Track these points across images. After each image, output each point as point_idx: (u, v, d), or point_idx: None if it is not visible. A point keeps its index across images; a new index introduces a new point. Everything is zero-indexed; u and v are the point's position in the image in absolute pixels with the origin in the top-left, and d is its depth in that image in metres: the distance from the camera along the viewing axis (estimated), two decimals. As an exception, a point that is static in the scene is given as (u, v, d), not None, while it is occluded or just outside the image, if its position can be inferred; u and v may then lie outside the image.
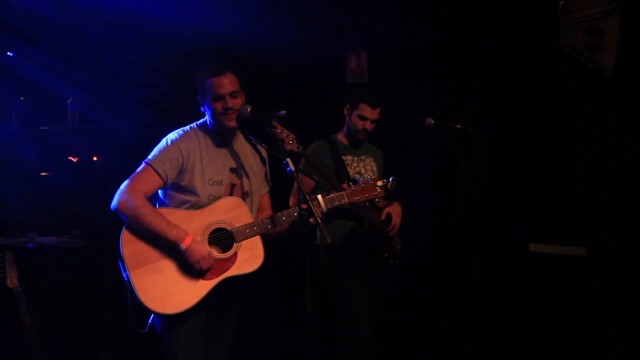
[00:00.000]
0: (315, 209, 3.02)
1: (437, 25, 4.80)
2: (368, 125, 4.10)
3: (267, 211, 3.39)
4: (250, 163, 3.33)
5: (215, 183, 3.20)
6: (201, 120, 3.30)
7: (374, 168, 4.21)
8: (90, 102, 4.86)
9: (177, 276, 3.07)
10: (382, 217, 4.03)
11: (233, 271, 3.13)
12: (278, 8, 4.96)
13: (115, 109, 4.90)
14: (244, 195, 3.28)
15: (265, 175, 3.41)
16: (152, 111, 4.89)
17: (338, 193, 3.28)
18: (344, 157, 4.12)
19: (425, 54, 4.93)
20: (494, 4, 4.69)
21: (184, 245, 3.04)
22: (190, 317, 3.10)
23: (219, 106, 3.17)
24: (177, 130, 3.25)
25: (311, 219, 2.98)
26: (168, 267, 3.07)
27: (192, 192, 3.16)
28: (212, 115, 3.21)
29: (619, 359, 4.01)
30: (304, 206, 3.00)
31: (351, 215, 3.97)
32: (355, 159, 4.17)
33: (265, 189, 3.42)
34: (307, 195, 3.00)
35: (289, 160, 3.03)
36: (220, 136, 3.26)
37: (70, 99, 4.80)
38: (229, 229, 3.14)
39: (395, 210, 4.07)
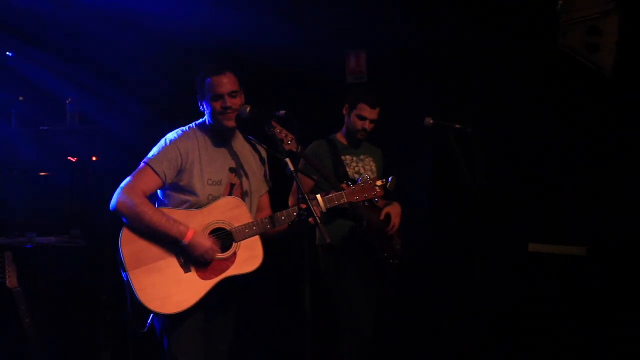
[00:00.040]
0: (315, 209, 3.01)
1: (436, 25, 4.80)
2: (367, 125, 4.10)
3: (267, 211, 3.39)
4: (249, 163, 3.33)
5: (214, 183, 3.20)
6: (200, 120, 3.30)
7: (374, 168, 4.21)
8: (90, 102, 4.86)
9: (177, 276, 3.07)
10: (382, 217, 4.03)
11: (232, 271, 3.13)
12: (278, 8, 4.96)
13: (115, 108, 4.90)
14: (244, 195, 3.28)
15: (265, 175, 3.41)
16: (152, 110, 4.89)
17: (337, 193, 3.28)
18: (343, 157, 4.12)
19: (425, 54, 4.93)
20: (494, 4, 4.68)
21: (186, 241, 3.04)
22: (189, 317, 3.10)
23: (218, 105, 3.17)
24: (176, 130, 3.25)
25: (310, 219, 2.98)
26: (168, 267, 3.07)
27: (192, 192, 3.16)
28: (211, 115, 3.21)
29: (618, 359, 4.01)
30: (304, 206, 3.00)
31: (350, 215, 3.97)
32: (355, 159, 4.17)
33: (264, 188, 3.42)
34: (306, 195, 3.00)
35: (288, 160, 3.03)
36: (219, 136, 3.26)
37: (70, 99, 4.80)
38: (229, 229, 3.14)
39: (394, 210, 4.07)
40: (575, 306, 4.15)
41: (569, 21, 4.46)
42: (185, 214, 3.13)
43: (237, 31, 4.89)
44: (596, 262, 4.09)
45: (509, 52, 4.64)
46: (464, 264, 4.45)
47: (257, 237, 3.18)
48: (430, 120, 3.95)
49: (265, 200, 3.43)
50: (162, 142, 3.19)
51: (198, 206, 3.16)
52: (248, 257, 3.15)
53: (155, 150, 3.17)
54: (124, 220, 3.08)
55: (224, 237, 3.14)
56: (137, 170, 3.14)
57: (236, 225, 3.15)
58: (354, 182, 3.38)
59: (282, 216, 3.20)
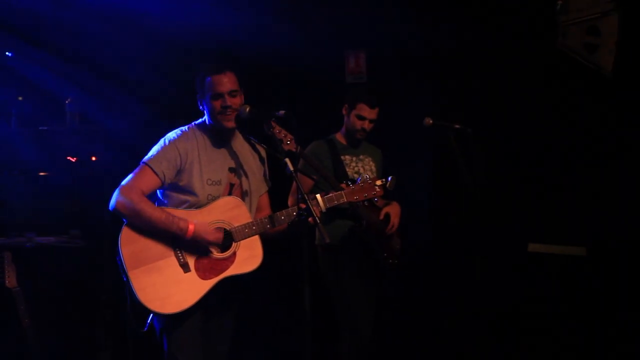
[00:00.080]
0: (314, 208, 3.01)
1: (436, 25, 4.80)
2: (366, 125, 4.10)
3: (266, 211, 3.39)
4: (249, 162, 3.33)
5: (213, 183, 3.20)
6: (200, 120, 3.30)
7: (373, 168, 4.20)
8: (90, 102, 4.86)
9: (176, 276, 3.07)
10: (381, 217, 4.03)
11: (232, 271, 3.13)
12: (277, 8, 4.96)
13: (115, 108, 4.90)
14: (243, 195, 3.28)
15: (264, 174, 3.41)
16: (152, 110, 4.89)
17: (337, 192, 3.28)
18: (342, 157, 4.12)
19: (424, 54, 4.93)
20: (494, 4, 4.68)
21: (188, 236, 3.04)
22: (189, 316, 3.10)
23: (217, 104, 3.17)
24: (175, 130, 3.25)
25: (310, 219, 2.98)
26: (167, 267, 3.07)
27: (191, 192, 3.16)
28: (211, 114, 3.21)
29: (618, 359, 4.00)
30: (303, 206, 3.00)
31: (350, 215, 3.97)
32: (354, 158, 4.16)
33: (264, 188, 3.42)
34: (305, 195, 2.99)
35: (287, 160, 3.03)
36: (218, 136, 3.26)
37: (69, 99, 4.80)
38: (228, 229, 3.14)
39: (393, 210, 4.07)
40: (575, 306, 4.15)
41: (568, 21, 4.46)
42: (185, 214, 3.12)
43: (237, 31, 4.90)
44: (596, 262, 4.09)
45: (508, 52, 4.64)
46: (464, 264, 4.44)
47: (256, 237, 3.18)
48: (429, 120, 3.95)
49: (265, 199, 3.43)
50: (161, 142, 3.19)
51: (197, 206, 3.16)
52: (247, 256, 3.15)
53: (154, 150, 3.17)
54: (124, 220, 3.08)
55: (224, 237, 3.14)
56: (135, 170, 3.14)
57: (236, 224, 3.15)
58: (354, 181, 3.38)
59: (282, 216, 3.20)
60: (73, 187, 4.66)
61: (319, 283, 3.93)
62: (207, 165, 3.20)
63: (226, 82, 3.17)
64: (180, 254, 3.09)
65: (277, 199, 3.54)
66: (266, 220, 3.18)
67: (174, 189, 3.18)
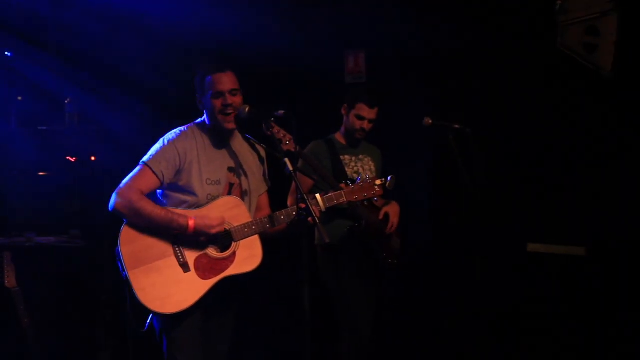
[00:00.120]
0: (314, 208, 3.01)
1: (435, 25, 4.80)
2: (366, 125, 4.10)
3: (266, 210, 3.39)
4: (248, 162, 3.33)
5: (213, 182, 3.20)
6: (199, 120, 3.30)
7: (372, 167, 4.20)
8: (89, 102, 4.86)
9: (176, 276, 3.07)
10: (380, 217, 4.03)
11: (232, 270, 3.13)
12: (277, 8, 4.96)
13: (115, 108, 4.90)
14: (243, 195, 3.28)
15: (264, 174, 3.41)
16: (152, 110, 4.89)
17: (336, 192, 3.28)
18: (342, 157, 4.12)
19: (424, 54, 4.92)
20: (494, 4, 4.68)
21: (190, 231, 3.04)
22: (189, 316, 3.09)
23: (218, 103, 3.17)
24: (174, 130, 3.24)
25: (309, 219, 2.98)
26: (167, 267, 3.07)
27: (190, 192, 3.16)
28: (211, 113, 3.21)
29: (618, 359, 4.00)
30: (303, 205, 3.00)
31: (349, 215, 3.97)
32: (353, 158, 4.16)
33: (263, 188, 3.41)
34: (305, 195, 2.99)
35: (287, 160, 3.03)
36: (218, 135, 3.26)
37: (69, 99, 4.80)
38: (228, 228, 3.14)
39: (393, 210, 4.07)
40: (575, 306, 4.15)
41: (567, 21, 4.46)
42: (185, 213, 3.12)
43: (237, 31, 4.90)
44: (596, 262, 4.09)
45: (508, 52, 4.64)
46: (464, 264, 4.44)
47: (256, 237, 3.17)
48: (428, 120, 3.95)
49: (264, 199, 3.42)
50: (160, 142, 3.19)
51: (197, 206, 3.15)
52: (247, 256, 3.15)
53: (153, 150, 3.17)
54: (124, 220, 3.08)
55: (223, 237, 3.14)
56: (135, 170, 3.14)
57: (235, 224, 3.15)
58: (353, 181, 3.38)
59: (282, 215, 3.20)
60: (73, 187, 4.66)
61: (318, 283, 3.93)
62: (207, 165, 3.19)
63: (227, 80, 3.17)
64: (180, 254, 3.09)
65: (277, 199, 3.54)
66: (266, 220, 3.18)
67: (174, 189, 3.17)
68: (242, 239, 3.15)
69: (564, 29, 4.47)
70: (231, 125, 3.20)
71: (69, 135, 4.76)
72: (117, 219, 3.11)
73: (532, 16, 4.60)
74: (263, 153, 3.41)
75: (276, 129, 3.49)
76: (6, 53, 4.80)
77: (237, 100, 3.19)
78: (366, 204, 3.73)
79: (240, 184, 3.28)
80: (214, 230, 3.07)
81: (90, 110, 4.87)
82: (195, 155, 3.18)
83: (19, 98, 4.77)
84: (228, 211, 3.16)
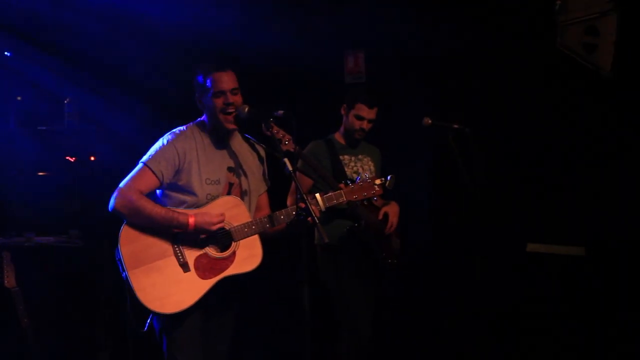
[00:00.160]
0: (313, 208, 3.02)
1: (435, 25, 4.80)
2: (365, 125, 4.10)
3: (266, 210, 3.39)
4: (248, 162, 3.33)
5: (212, 182, 3.20)
6: (198, 120, 3.30)
7: (372, 167, 4.20)
8: (89, 102, 4.86)
9: (176, 275, 3.07)
10: (380, 217, 4.03)
11: (232, 270, 3.13)
12: (277, 8, 4.96)
13: (114, 108, 4.90)
14: (242, 194, 3.28)
15: (263, 174, 3.41)
16: (152, 110, 4.89)
17: (336, 192, 3.28)
18: (341, 157, 4.12)
19: (423, 54, 4.92)
20: (494, 4, 4.68)
21: (190, 228, 3.04)
22: (188, 316, 3.10)
23: (219, 102, 3.16)
24: (174, 130, 3.24)
25: (309, 219, 2.98)
26: (167, 267, 3.07)
27: (190, 192, 3.16)
28: (212, 113, 3.20)
29: (618, 359, 4.00)
30: (302, 205, 3.00)
31: (349, 215, 3.97)
32: (353, 158, 4.16)
33: (263, 187, 3.41)
34: (304, 195, 2.99)
35: (286, 160, 3.03)
36: (217, 135, 3.26)
37: (68, 99, 4.80)
38: (227, 228, 3.14)
39: (392, 210, 4.07)
40: (575, 306, 4.15)
41: (567, 21, 4.46)
42: (184, 212, 3.12)
43: (237, 31, 4.90)
44: (595, 262, 4.09)
45: (508, 52, 4.64)
46: (463, 264, 4.44)
47: (256, 236, 3.17)
48: (428, 120, 3.95)
49: (264, 199, 3.42)
50: (159, 142, 3.19)
51: (197, 205, 3.15)
52: (247, 256, 3.15)
53: (152, 150, 3.17)
54: (124, 220, 3.08)
55: (223, 236, 3.14)
56: (134, 170, 3.14)
57: (235, 224, 3.15)
58: (353, 181, 3.37)
59: (281, 215, 3.20)
60: (72, 187, 4.66)
61: (318, 283, 3.93)
62: (206, 165, 3.19)
63: (228, 79, 3.18)
64: (180, 254, 3.09)
65: (277, 199, 3.54)
66: (265, 219, 3.18)
67: (173, 188, 3.17)
68: (241, 239, 3.15)
69: (564, 29, 4.47)
70: (231, 126, 3.20)
71: (68, 135, 4.76)
72: (116, 219, 3.11)
73: (532, 16, 4.60)
74: (263, 153, 3.41)
75: (275, 129, 3.49)
76: (6, 53, 4.80)
77: (238, 99, 3.19)
78: (366, 203, 3.73)
79: (240, 184, 3.28)
80: (214, 227, 3.07)
81: (90, 110, 4.87)
82: (195, 155, 3.18)
83: (19, 98, 4.77)
84: (228, 211, 3.16)
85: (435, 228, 4.99)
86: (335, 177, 3.93)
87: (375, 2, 4.94)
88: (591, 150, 4.41)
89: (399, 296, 4.75)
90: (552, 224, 4.45)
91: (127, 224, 3.08)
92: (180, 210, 3.11)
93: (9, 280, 3.84)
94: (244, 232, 3.14)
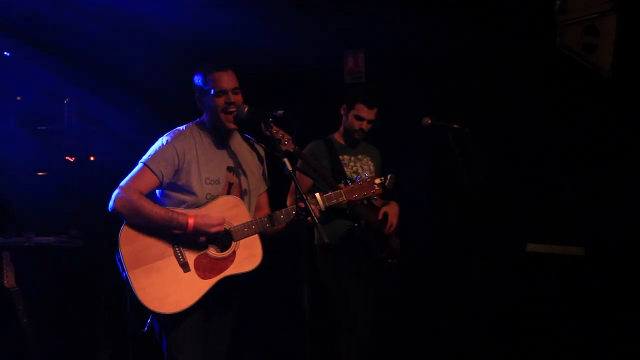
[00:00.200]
0: (313, 207, 3.02)
1: (435, 25, 4.80)
2: (365, 126, 4.10)
3: (265, 210, 3.39)
4: (247, 162, 3.33)
5: (212, 182, 3.20)
6: (198, 120, 3.30)
7: (371, 167, 4.20)
8: (89, 102, 4.86)
9: (176, 275, 3.07)
10: (379, 217, 4.03)
11: (232, 270, 3.13)
12: (277, 8, 4.96)
13: (114, 108, 4.90)
14: (242, 194, 3.28)
15: (263, 173, 3.41)
16: (152, 110, 4.89)
17: (336, 191, 3.28)
18: (340, 157, 4.12)
19: (423, 54, 4.92)
20: (494, 4, 4.68)
21: (190, 229, 3.04)
22: (188, 316, 3.10)
23: (221, 101, 3.16)
24: (173, 130, 3.24)
25: (309, 218, 2.98)
26: (166, 267, 3.07)
27: (190, 192, 3.16)
28: (213, 112, 3.20)
29: (618, 359, 4.00)
30: (302, 205, 3.00)
31: (348, 215, 3.97)
32: (352, 158, 4.16)
33: (263, 187, 3.41)
34: (304, 195, 2.99)
35: (286, 160, 3.03)
36: (217, 135, 3.26)
37: (68, 99, 4.80)
38: (227, 228, 3.14)
39: (392, 210, 4.07)
40: (575, 306, 4.15)
41: (567, 21, 4.46)
42: (184, 212, 3.12)
43: (237, 31, 4.90)
44: (595, 262, 4.09)
45: (508, 52, 4.64)
46: (463, 264, 4.44)
47: (256, 236, 3.17)
48: (428, 120, 3.95)
49: (264, 199, 3.42)
50: (158, 142, 3.19)
51: (196, 205, 3.15)
52: (247, 255, 3.15)
53: (152, 150, 3.17)
54: (123, 220, 3.08)
55: (223, 236, 3.14)
56: (134, 170, 3.14)
57: (235, 224, 3.15)
58: (352, 181, 3.37)
59: (281, 215, 3.20)
60: (72, 187, 4.67)
61: (318, 283, 3.93)
62: (206, 165, 3.19)
63: (229, 79, 3.18)
64: (179, 254, 3.09)
65: (276, 199, 3.54)
66: (265, 219, 3.18)
67: (173, 188, 3.17)
68: (241, 239, 3.15)
69: (563, 29, 4.47)
70: (232, 125, 3.20)
71: (68, 135, 4.76)
72: (116, 219, 3.11)
73: (532, 16, 4.60)
74: (262, 152, 3.41)
75: (275, 129, 3.49)
76: (6, 53, 4.80)
77: (239, 99, 3.19)
78: (365, 203, 3.73)
79: (240, 184, 3.28)
80: (213, 229, 3.07)
81: (90, 110, 4.87)
82: (194, 155, 3.18)
83: (19, 98, 4.77)
84: (227, 211, 3.16)
85: (435, 228, 4.99)
86: (334, 177, 3.93)
87: (375, 2, 4.94)
88: (591, 150, 4.41)
89: (399, 296, 4.75)
90: (552, 224, 4.45)
91: (127, 224, 3.08)
92: (180, 210, 3.11)
93: (9, 280, 3.84)
94: (244, 231, 3.15)
